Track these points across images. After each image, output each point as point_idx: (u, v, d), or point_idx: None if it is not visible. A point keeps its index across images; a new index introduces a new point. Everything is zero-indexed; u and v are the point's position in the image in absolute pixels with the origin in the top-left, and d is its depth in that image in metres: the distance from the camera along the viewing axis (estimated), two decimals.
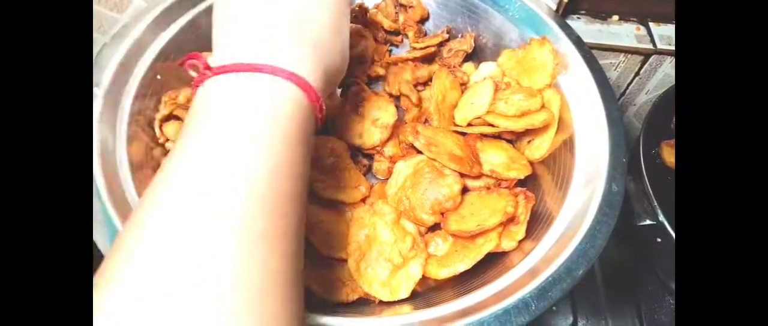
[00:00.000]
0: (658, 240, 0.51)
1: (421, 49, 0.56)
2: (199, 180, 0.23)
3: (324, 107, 0.30)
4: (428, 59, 0.57)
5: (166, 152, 0.47)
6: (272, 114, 0.26)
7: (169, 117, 0.47)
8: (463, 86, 0.53)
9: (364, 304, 0.41)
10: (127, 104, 0.45)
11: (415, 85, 0.54)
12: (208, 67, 0.28)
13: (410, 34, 0.58)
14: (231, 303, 0.21)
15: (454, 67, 0.55)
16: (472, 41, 0.56)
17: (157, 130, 0.46)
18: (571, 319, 0.58)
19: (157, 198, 0.24)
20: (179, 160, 0.25)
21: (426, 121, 0.52)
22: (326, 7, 0.32)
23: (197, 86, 0.28)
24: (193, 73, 0.29)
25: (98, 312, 0.20)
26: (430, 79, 0.54)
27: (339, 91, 0.55)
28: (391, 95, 0.54)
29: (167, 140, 0.47)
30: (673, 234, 0.48)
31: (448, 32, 0.57)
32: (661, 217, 0.49)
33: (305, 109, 0.28)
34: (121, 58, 0.46)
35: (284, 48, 0.29)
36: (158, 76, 0.48)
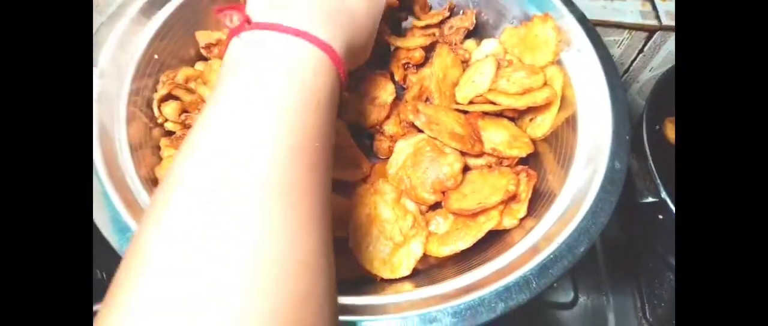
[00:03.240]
0: (660, 217, 0.50)
1: (422, 27, 0.55)
2: (226, 145, 0.24)
3: (346, 81, 0.32)
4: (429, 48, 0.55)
5: (165, 132, 0.47)
6: (304, 79, 0.27)
7: (168, 97, 0.46)
8: (465, 63, 0.53)
9: (366, 282, 0.41)
10: (125, 84, 0.45)
11: (408, 65, 0.54)
12: (248, 20, 0.29)
13: (415, 8, 0.57)
14: (259, 278, 0.21)
15: (455, 44, 0.54)
16: (474, 18, 0.55)
17: (155, 110, 0.46)
18: (572, 295, 0.58)
19: (189, 154, 0.24)
20: (209, 117, 0.26)
21: (427, 99, 0.51)
22: None
23: (233, 35, 0.29)
24: (228, 22, 0.30)
25: (142, 273, 0.20)
26: (426, 59, 0.53)
27: None
28: (390, 73, 0.53)
29: (166, 120, 0.46)
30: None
31: (449, 9, 0.56)
32: (663, 194, 0.49)
33: (334, 80, 0.30)
34: (118, 38, 0.45)
35: (322, 19, 0.30)
36: (156, 56, 0.48)
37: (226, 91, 0.27)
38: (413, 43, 0.53)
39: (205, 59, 0.51)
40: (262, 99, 0.26)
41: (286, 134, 0.25)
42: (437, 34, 0.55)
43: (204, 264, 0.20)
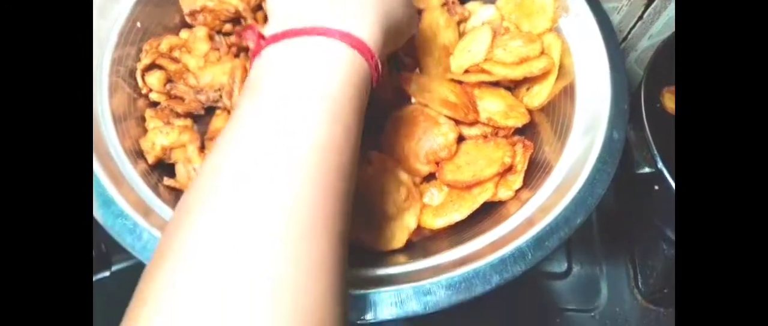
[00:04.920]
0: (656, 188, 0.50)
1: None
2: (249, 169, 0.23)
3: (380, 68, 0.29)
4: None
5: (149, 103, 0.45)
6: (322, 83, 0.25)
7: (151, 66, 0.45)
8: (463, 24, 0.51)
9: (359, 254, 0.41)
10: (107, 53, 0.43)
11: None
12: (262, 37, 0.28)
13: None
14: (268, 307, 0.20)
15: (453, 2, 0.52)
16: None
17: (139, 80, 0.44)
18: (565, 265, 0.58)
19: (211, 185, 0.23)
20: (230, 142, 0.24)
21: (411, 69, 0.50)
22: None
23: (253, 58, 0.28)
24: (251, 44, 0.29)
25: (154, 312, 0.20)
26: None
27: None
28: None
29: (150, 90, 0.45)
30: (672, 182, 0.47)
31: None
32: (660, 165, 0.48)
33: (360, 71, 0.27)
34: (99, 4, 0.43)
35: (338, 5, 0.28)
36: (138, 23, 0.46)
37: (247, 113, 0.25)
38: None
39: (190, 27, 0.49)
40: (284, 117, 0.24)
41: (309, 162, 0.24)
42: None
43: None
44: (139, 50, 0.46)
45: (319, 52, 0.26)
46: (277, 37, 0.27)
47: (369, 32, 0.28)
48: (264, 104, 0.25)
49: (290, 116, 0.24)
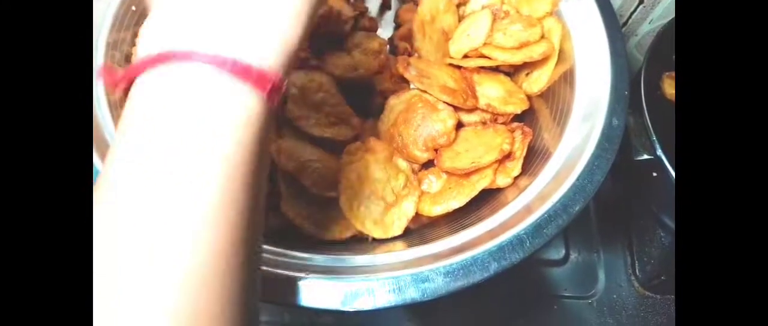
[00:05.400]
0: (654, 174, 0.50)
1: None
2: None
3: (286, 90, 0.24)
4: None
5: None
6: (195, 131, 0.20)
7: None
8: (462, 7, 0.50)
9: (358, 242, 0.41)
10: (102, 37, 0.42)
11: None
12: (112, 74, 0.23)
13: None
14: None
15: None
16: None
17: None
18: (563, 252, 0.58)
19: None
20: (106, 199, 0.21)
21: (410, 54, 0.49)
22: None
23: (125, 94, 0.22)
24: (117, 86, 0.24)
25: None
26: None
27: None
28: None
29: None
30: (671, 169, 0.47)
31: None
32: (659, 152, 0.48)
33: (258, 110, 0.21)
34: None
35: (223, 25, 0.21)
36: (133, 7, 0.45)
37: (117, 181, 0.21)
38: None
39: None
40: (157, 191, 0.20)
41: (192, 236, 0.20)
42: None
43: None
44: (135, 35, 0.45)
45: (191, 89, 0.21)
46: (139, 68, 0.21)
47: (269, 56, 0.22)
48: (131, 171, 0.20)
49: (165, 184, 0.20)
